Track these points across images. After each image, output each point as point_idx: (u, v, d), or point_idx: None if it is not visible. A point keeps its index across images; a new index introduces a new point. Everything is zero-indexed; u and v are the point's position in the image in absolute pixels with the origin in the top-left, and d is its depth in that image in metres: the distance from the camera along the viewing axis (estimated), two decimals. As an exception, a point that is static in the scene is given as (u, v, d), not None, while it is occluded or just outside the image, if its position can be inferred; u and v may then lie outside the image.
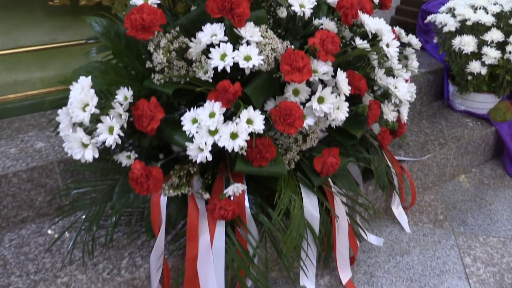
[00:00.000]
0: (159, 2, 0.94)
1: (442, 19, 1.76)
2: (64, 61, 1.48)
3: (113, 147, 0.91)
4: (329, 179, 1.16)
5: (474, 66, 1.68)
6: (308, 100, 0.99)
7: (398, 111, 1.31)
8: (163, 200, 1.00)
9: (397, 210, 1.48)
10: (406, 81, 1.25)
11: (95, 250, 1.06)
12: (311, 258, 1.12)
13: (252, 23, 0.95)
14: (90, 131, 0.94)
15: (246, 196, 1.02)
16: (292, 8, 1.03)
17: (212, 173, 1.05)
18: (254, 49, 0.92)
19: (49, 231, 1.14)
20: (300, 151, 1.08)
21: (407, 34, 1.42)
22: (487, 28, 1.68)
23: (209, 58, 0.93)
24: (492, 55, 1.64)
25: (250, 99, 0.93)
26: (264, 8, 1.08)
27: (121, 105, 0.93)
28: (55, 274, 1.00)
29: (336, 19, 1.10)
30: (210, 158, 0.89)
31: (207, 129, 0.89)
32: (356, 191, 1.23)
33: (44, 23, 1.44)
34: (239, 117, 0.90)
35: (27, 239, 1.12)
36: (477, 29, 1.70)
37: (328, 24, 1.09)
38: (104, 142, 0.90)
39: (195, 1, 1.10)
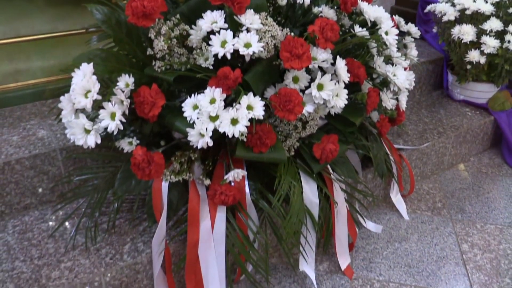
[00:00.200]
0: (159, -11, 0.94)
1: (441, 8, 1.76)
2: (64, 50, 1.48)
3: (115, 133, 0.92)
4: (328, 166, 1.17)
5: (473, 55, 1.68)
6: (308, 87, 1.00)
7: (397, 99, 1.32)
8: (165, 186, 1.01)
9: (396, 198, 1.50)
10: (405, 69, 1.26)
11: (97, 235, 1.08)
12: (311, 244, 1.13)
13: (252, 10, 0.96)
14: (92, 118, 0.95)
15: (246, 182, 1.03)
16: (292, -5, 1.04)
17: (212, 159, 1.06)
18: (254, 36, 0.93)
19: (52, 218, 1.16)
20: (299, 138, 1.09)
21: (406, 23, 1.43)
22: (486, 17, 1.68)
23: (209, 45, 0.94)
24: (491, 44, 1.64)
25: (250, 86, 0.94)
26: (264, -5, 1.09)
27: (123, 91, 0.94)
28: (59, 259, 1.02)
29: (335, 7, 1.11)
30: (211, 143, 0.90)
31: (208, 115, 0.90)
32: (355, 178, 1.24)
33: (44, 13, 1.45)
34: (239, 103, 0.91)
35: (30, 225, 1.13)
36: (476, 18, 1.70)
37: (327, 12, 1.10)
38: (106, 128, 0.91)
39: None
